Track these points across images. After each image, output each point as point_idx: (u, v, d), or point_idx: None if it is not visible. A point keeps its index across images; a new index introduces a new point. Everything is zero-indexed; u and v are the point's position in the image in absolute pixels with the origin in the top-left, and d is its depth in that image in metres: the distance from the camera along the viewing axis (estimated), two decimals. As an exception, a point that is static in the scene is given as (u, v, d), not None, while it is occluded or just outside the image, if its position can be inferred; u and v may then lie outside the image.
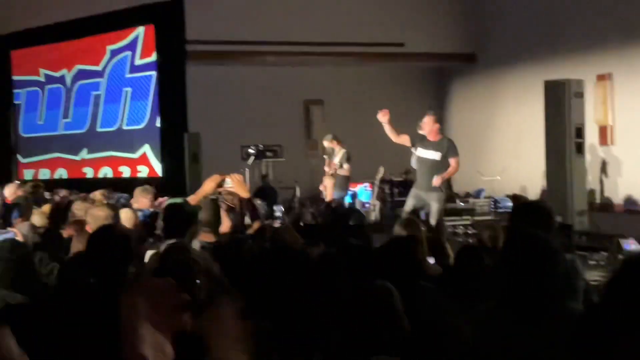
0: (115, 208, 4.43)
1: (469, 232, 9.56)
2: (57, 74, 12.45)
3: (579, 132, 7.79)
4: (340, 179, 10.37)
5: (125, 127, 11.76)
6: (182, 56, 11.05)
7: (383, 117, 8.00)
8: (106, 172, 11.72)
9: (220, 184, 4.93)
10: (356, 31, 14.17)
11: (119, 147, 11.78)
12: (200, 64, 12.43)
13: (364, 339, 2.54)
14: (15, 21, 12.29)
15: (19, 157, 12.91)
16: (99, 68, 11.95)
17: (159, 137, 11.35)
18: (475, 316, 2.69)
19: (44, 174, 12.04)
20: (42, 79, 12.66)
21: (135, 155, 11.65)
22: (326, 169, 10.60)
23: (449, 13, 14.83)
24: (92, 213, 4.29)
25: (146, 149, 11.56)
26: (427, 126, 7.98)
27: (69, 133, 12.45)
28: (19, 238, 4.49)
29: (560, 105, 7.76)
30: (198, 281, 2.50)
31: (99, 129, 12.13)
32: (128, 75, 11.65)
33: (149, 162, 11.48)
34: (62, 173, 12.01)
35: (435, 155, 7.94)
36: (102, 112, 12.03)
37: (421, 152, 8.01)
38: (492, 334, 2.52)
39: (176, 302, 1.04)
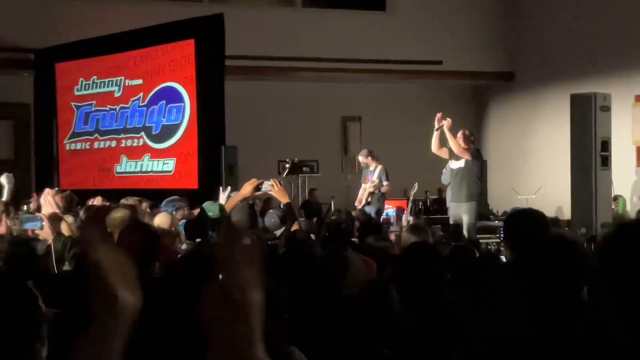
0: (133, 209, 4.44)
1: (502, 249, 9.51)
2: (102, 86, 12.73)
3: (605, 146, 7.82)
4: (377, 196, 10.40)
5: (162, 140, 11.97)
6: (221, 71, 11.22)
7: (442, 122, 8.00)
8: (142, 183, 11.94)
9: (258, 188, 5.08)
10: (394, 49, 14.26)
11: (155, 160, 12.00)
12: (238, 78, 12.62)
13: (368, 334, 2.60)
14: (60, 34, 12.62)
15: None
16: (140, 81, 12.20)
17: (197, 150, 11.53)
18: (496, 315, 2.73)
19: (81, 183, 12.29)
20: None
21: (171, 168, 11.84)
22: (364, 184, 10.63)
23: (487, 32, 14.85)
24: (111, 215, 4.30)
25: (183, 161, 11.74)
26: (450, 141, 8.10)
27: (103, 148, 12.74)
28: (45, 224, 4.58)
29: (586, 118, 7.81)
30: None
31: (128, 144, 12.38)
32: (166, 85, 11.87)
33: (186, 174, 11.65)
34: (96, 184, 12.24)
35: (460, 163, 8.02)
36: (141, 123, 12.26)
37: (452, 164, 8.12)
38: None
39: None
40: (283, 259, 4.08)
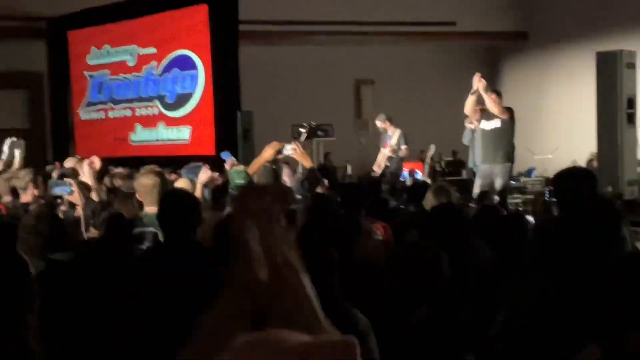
0: (161, 174, 4.41)
1: (520, 210, 9.52)
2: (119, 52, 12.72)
3: (631, 103, 7.76)
4: (396, 159, 10.37)
5: (177, 109, 11.98)
6: (235, 36, 11.17)
7: (479, 82, 7.67)
8: (158, 151, 11.97)
9: (279, 151, 5.07)
10: (407, 10, 14.14)
11: (170, 127, 12.02)
12: (251, 44, 12.57)
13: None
14: (72, 2, 12.58)
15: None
16: (154, 50, 12.17)
17: (212, 115, 11.54)
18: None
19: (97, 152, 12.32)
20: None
21: (187, 136, 11.86)
22: (382, 149, 10.58)
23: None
24: (140, 182, 4.25)
25: (198, 128, 11.76)
26: (489, 101, 7.78)
27: (118, 117, 12.77)
28: (75, 189, 4.59)
29: (613, 76, 7.73)
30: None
31: (143, 114, 12.40)
32: (180, 52, 11.84)
33: (202, 141, 11.68)
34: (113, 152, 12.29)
35: (496, 122, 7.73)
36: (157, 90, 12.26)
37: (484, 124, 7.81)
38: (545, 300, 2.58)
39: None
40: (311, 220, 4.11)
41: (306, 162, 5.26)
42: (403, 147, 10.26)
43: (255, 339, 1.00)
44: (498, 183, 7.67)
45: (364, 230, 4.31)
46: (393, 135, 10.39)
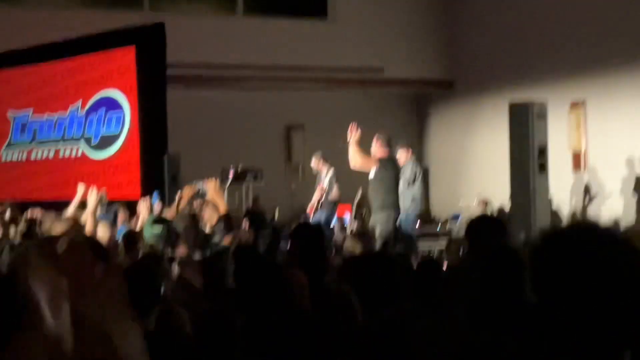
0: (75, 221, 4.33)
1: (444, 255, 9.66)
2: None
3: (542, 152, 8.06)
4: (327, 202, 10.40)
5: (101, 150, 11.81)
6: (162, 79, 11.14)
7: (353, 134, 7.82)
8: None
9: (197, 193, 5.04)
10: (336, 56, 14.36)
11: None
12: (180, 87, 12.53)
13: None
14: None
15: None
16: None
17: (138, 158, 11.41)
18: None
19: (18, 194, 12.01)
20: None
21: (112, 177, 11.68)
22: (318, 188, 10.61)
23: (427, 40, 15.07)
24: (54, 230, 4.16)
25: (124, 171, 11.59)
26: (373, 148, 8.02)
27: (41, 158, 12.52)
28: None
29: (524, 126, 8.05)
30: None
31: (67, 155, 12.18)
32: (106, 93, 11.72)
33: (128, 185, 11.50)
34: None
35: (371, 174, 7.97)
36: (79, 134, 12.06)
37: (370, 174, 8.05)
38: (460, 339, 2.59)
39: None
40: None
41: (220, 203, 5.23)
42: (335, 188, 10.32)
43: None
44: (377, 230, 7.73)
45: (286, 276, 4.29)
46: (325, 176, 10.47)
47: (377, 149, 7.89)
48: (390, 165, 7.94)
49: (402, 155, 9.36)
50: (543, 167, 8.06)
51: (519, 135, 8.05)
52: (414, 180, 9.25)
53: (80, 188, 5.67)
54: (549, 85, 12.26)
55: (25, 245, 4.59)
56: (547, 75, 12.53)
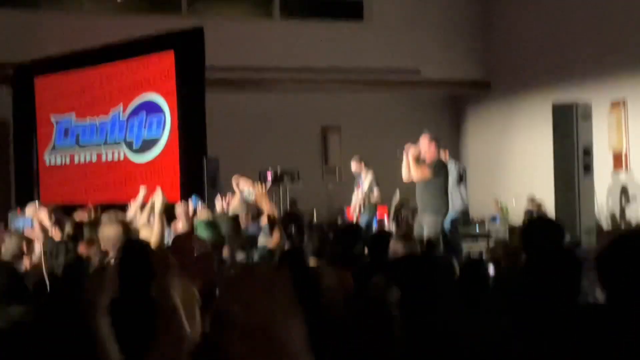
0: (125, 224, 4.38)
1: (485, 256, 9.62)
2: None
3: (587, 153, 7.97)
4: (369, 207, 10.45)
5: (143, 154, 11.96)
6: (201, 83, 11.24)
7: (411, 150, 7.86)
8: (124, 197, 11.89)
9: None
10: (372, 58, 14.38)
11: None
12: (218, 90, 12.64)
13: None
14: (40, 48, 12.57)
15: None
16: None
17: (178, 161, 11.53)
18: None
19: (62, 198, 12.23)
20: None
21: (153, 180, 11.82)
22: (356, 189, 10.66)
23: (463, 41, 15.02)
24: (103, 232, 4.20)
25: (164, 174, 11.72)
26: (423, 147, 8.01)
27: (84, 162, 12.71)
28: (36, 224, 4.55)
29: (568, 127, 7.96)
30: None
31: (109, 159, 12.36)
32: (146, 97, 11.87)
33: (167, 188, 11.63)
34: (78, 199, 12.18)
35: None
36: (122, 137, 12.24)
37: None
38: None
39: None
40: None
41: (265, 205, 5.27)
42: (375, 190, 10.36)
43: None
44: (425, 233, 7.71)
45: (327, 277, 4.32)
46: (365, 179, 10.51)
47: (431, 150, 7.87)
48: (441, 168, 7.95)
49: (441, 156, 9.34)
50: (588, 168, 7.98)
51: (563, 136, 7.97)
52: (461, 180, 9.23)
53: (142, 190, 5.75)
54: (589, 85, 12.14)
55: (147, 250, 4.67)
56: (588, 74, 12.41)
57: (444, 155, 9.53)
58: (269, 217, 5.43)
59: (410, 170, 7.82)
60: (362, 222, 10.17)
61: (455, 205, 8.62)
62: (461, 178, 9.23)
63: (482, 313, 3.35)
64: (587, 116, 8.03)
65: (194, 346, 1.17)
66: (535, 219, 3.65)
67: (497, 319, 2.78)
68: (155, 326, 1.19)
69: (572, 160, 7.81)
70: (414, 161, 7.76)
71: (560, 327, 2.27)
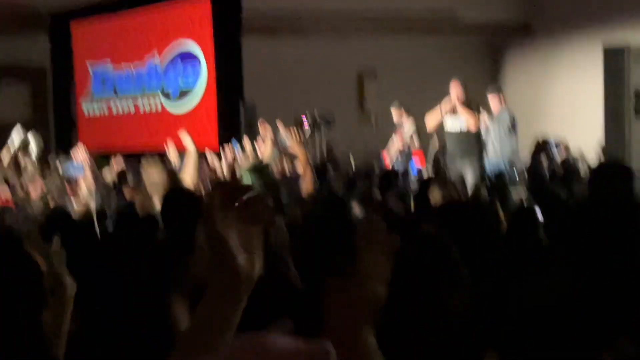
0: (171, 171, 4.38)
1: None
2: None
3: (638, 97, 7.83)
4: (406, 153, 10.43)
5: (180, 104, 11.98)
6: (238, 29, 11.16)
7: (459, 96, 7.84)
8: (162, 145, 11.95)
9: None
10: (409, 1, 14.15)
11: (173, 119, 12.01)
12: (254, 37, 12.54)
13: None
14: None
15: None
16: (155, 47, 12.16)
17: (215, 109, 11.53)
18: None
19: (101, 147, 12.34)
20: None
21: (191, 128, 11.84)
22: (394, 135, 10.64)
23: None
24: (148, 178, 4.20)
25: (202, 122, 11.74)
26: (454, 94, 7.96)
27: (122, 113, 12.78)
28: (87, 171, 4.59)
29: (620, 71, 7.80)
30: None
31: (147, 110, 12.39)
32: (181, 49, 11.83)
33: (206, 135, 11.66)
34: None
35: (461, 124, 7.94)
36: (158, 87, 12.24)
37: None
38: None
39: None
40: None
41: (300, 153, 5.22)
42: (414, 138, 10.32)
43: (241, 343, 0.98)
44: (468, 178, 7.72)
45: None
46: (405, 126, 10.46)
47: (461, 96, 7.83)
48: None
49: (495, 102, 9.18)
50: (638, 111, 7.84)
51: (614, 80, 7.82)
52: (513, 127, 9.13)
53: (185, 137, 5.70)
54: (634, 23, 11.77)
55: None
56: (633, 12, 12.01)
57: (500, 101, 9.34)
58: (303, 163, 5.39)
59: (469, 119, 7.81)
60: (400, 169, 10.13)
61: (505, 153, 8.53)
62: (513, 126, 9.09)
63: (537, 263, 3.31)
64: (639, 59, 7.84)
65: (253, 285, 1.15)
66: (604, 163, 3.53)
67: (558, 269, 2.73)
68: (209, 268, 1.17)
69: (622, 104, 7.68)
70: (464, 107, 7.76)
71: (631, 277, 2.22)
